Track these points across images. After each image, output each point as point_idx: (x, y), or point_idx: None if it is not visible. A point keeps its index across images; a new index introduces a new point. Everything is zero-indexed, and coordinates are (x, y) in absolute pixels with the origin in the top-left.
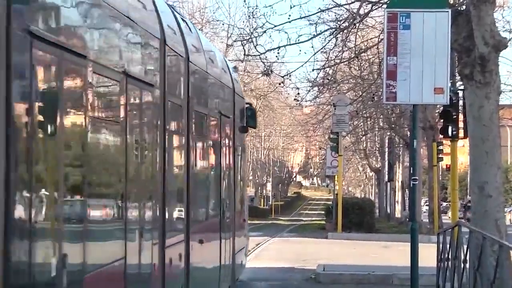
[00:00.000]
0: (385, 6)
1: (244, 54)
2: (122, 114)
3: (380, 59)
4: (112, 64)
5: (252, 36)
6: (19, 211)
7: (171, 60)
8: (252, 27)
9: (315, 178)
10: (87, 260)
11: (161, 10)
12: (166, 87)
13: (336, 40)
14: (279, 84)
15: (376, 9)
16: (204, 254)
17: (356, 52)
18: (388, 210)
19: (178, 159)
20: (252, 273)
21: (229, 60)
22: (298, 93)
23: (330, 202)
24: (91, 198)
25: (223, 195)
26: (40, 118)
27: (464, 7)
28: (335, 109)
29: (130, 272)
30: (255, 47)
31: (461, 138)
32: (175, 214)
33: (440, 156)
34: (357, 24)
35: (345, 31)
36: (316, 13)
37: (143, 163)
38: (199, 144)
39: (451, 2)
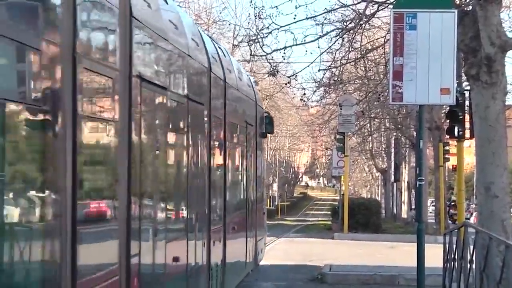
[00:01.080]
0: (391, 6)
1: (251, 55)
2: (186, 128)
3: (386, 60)
4: (180, 91)
5: (259, 37)
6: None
7: (214, 83)
8: (258, 27)
9: (321, 179)
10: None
11: (206, 42)
12: (211, 105)
13: (342, 40)
14: (285, 84)
15: (382, 9)
16: (235, 239)
17: (362, 52)
18: (394, 211)
19: (219, 162)
20: (258, 273)
21: (235, 60)
22: (304, 94)
23: (336, 203)
24: (189, 194)
25: (249, 191)
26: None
27: (470, 7)
28: (341, 109)
29: (192, 243)
30: (261, 47)
31: (467, 139)
32: (217, 207)
33: (447, 156)
34: (363, 25)
35: (351, 31)
36: (322, 13)
37: (199, 166)
38: (233, 149)
39: (458, 2)
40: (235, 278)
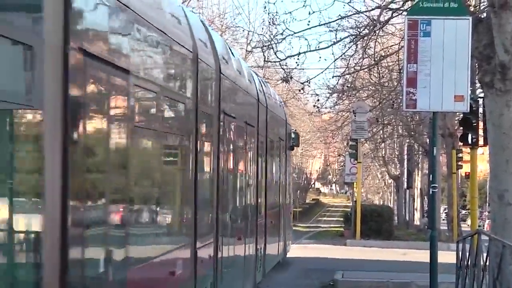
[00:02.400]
0: (405, 13)
1: (264, 60)
2: (245, 144)
3: (400, 66)
4: (242, 118)
5: (272, 43)
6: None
7: (260, 110)
8: (272, 33)
9: (333, 185)
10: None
11: (255, 79)
12: (258, 126)
13: (356, 47)
14: (299, 90)
15: (396, 16)
16: (273, 231)
17: (376, 59)
18: (407, 218)
19: (262, 171)
20: (270, 280)
21: (249, 66)
22: (318, 100)
23: (349, 209)
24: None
25: (281, 194)
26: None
27: (484, 14)
28: (355, 116)
29: (245, 229)
30: (275, 53)
31: (481, 146)
32: (259, 203)
33: (460, 163)
34: (377, 31)
35: (365, 38)
36: (336, 20)
37: (252, 174)
38: (271, 160)
39: (472, 9)
40: (273, 261)
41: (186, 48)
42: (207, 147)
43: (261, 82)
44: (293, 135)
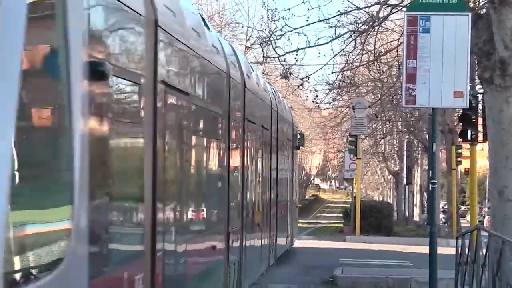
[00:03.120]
0: (404, 9)
1: (263, 57)
2: (261, 144)
3: (399, 62)
4: (261, 123)
5: (271, 39)
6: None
7: (273, 115)
8: (271, 29)
9: (333, 181)
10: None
11: (271, 90)
12: (271, 128)
13: (355, 43)
14: (298, 86)
15: (395, 12)
16: (282, 221)
17: (375, 55)
18: (406, 214)
19: (274, 168)
20: (269, 276)
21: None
22: (317, 96)
23: (348, 205)
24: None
25: (289, 189)
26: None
27: (484, 10)
28: (354, 111)
29: (262, 218)
30: (274, 49)
31: (480, 142)
32: (273, 196)
33: (459, 159)
34: (377, 27)
35: (364, 34)
36: (335, 16)
37: (266, 170)
38: (280, 159)
39: (471, 5)
40: (282, 248)
41: (222, 70)
42: (235, 148)
43: (273, 90)
44: (298, 136)
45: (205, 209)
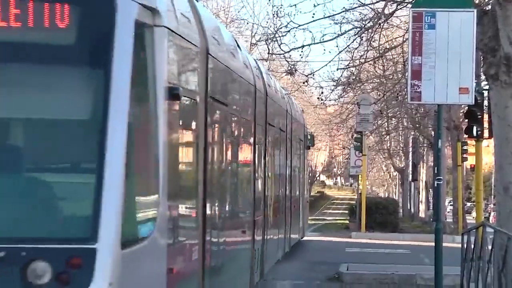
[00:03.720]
0: (410, 5)
1: (268, 53)
2: (279, 143)
3: (404, 59)
4: (279, 126)
5: (277, 35)
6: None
7: (288, 119)
8: (276, 26)
9: (338, 178)
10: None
11: (287, 97)
12: (287, 130)
13: (361, 39)
14: (303, 83)
15: (401, 8)
16: (295, 214)
17: (381, 51)
18: (412, 210)
19: (289, 165)
20: (275, 272)
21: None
22: (322, 92)
23: (354, 202)
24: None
25: (301, 184)
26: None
27: (489, 7)
28: (359, 108)
29: (280, 209)
30: (279, 46)
31: (486, 138)
32: (288, 191)
33: (465, 156)
34: (382, 24)
35: (369, 30)
36: (341, 12)
37: (286, 168)
38: (295, 158)
39: (477, 2)
40: (295, 239)
41: (250, 83)
42: (259, 149)
43: (289, 96)
44: (309, 137)
45: (239, 199)
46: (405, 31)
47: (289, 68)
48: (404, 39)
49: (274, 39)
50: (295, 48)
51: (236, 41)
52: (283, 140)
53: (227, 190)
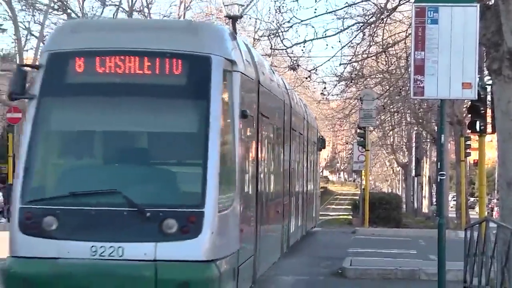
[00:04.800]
0: (413, 0)
1: (271, 48)
2: (300, 145)
3: (407, 54)
4: (300, 131)
5: (279, 31)
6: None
7: (305, 124)
8: (279, 22)
9: (341, 173)
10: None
11: (306, 107)
12: (303, 133)
13: (363, 34)
14: (306, 78)
15: (403, 3)
16: (311, 205)
17: (384, 46)
18: (415, 205)
19: (305, 164)
20: (278, 267)
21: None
22: (325, 88)
23: (357, 197)
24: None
25: (315, 180)
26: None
27: (492, 1)
28: (362, 103)
29: (301, 198)
30: (281, 41)
31: (489, 133)
32: (304, 184)
33: (468, 151)
34: (385, 19)
35: (372, 25)
36: (343, 7)
37: (305, 166)
38: (311, 157)
39: None
40: (310, 225)
41: (281, 99)
42: (287, 150)
43: (305, 105)
44: (321, 140)
45: (277, 186)
46: (408, 26)
47: (291, 63)
48: (407, 34)
49: (276, 35)
50: (297, 43)
51: (272, 69)
52: (302, 142)
53: (270, 179)
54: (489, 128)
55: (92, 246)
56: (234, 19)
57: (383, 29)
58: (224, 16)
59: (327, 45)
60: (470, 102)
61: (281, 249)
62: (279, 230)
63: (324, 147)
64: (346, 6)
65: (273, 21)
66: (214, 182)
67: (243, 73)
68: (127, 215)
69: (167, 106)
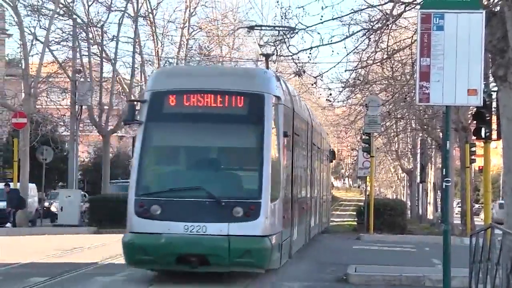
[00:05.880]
0: (418, 7)
1: (276, 55)
2: (318, 156)
3: (413, 60)
4: (319, 146)
5: (285, 37)
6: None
7: (322, 139)
8: (283, 28)
9: (346, 179)
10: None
11: (321, 127)
12: (320, 147)
13: (369, 41)
14: (312, 85)
15: (409, 10)
16: (325, 206)
17: (389, 53)
18: (420, 212)
19: (320, 172)
20: (282, 274)
21: (260, 60)
22: (330, 94)
23: (362, 203)
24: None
25: (327, 186)
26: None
27: (498, 8)
28: (367, 109)
29: (321, 200)
30: (287, 47)
31: (494, 140)
32: (321, 190)
33: (473, 157)
34: (390, 25)
35: (378, 32)
36: (349, 14)
37: (320, 173)
38: (324, 167)
39: (485, 3)
40: (325, 223)
41: (305, 120)
42: (309, 159)
43: (321, 124)
44: (331, 152)
45: (305, 187)
46: (413, 33)
47: (297, 69)
48: (413, 41)
49: (282, 41)
50: (303, 50)
51: (299, 98)
52: (319, 154)
53: (300, 183)
54: (494, 135)
55: (185, 225)
56: (267, 56)
57: (389, 35)
58: (260, 54)
59: (332, 51)
60: (475, 109)
61: (305, 239)
62: (305, 223)
63: (334, 159)
64: (352, 13)
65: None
66: (267, 182)
67: (284, 105)
68: (209, 204)
69: (234, 128)
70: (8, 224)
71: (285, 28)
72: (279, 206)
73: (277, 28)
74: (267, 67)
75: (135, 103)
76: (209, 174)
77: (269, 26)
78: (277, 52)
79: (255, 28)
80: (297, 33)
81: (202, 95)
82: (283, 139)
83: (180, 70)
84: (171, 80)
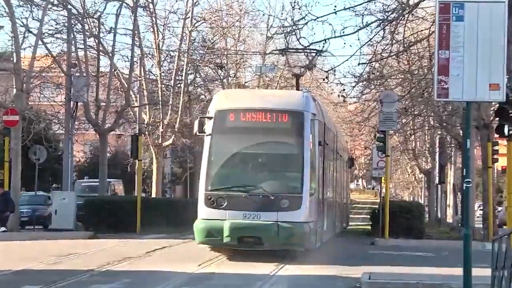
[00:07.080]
0: None
1: (287, 47)
2: (340, 164)
3: (431, 53)
4: (340, 153)
5: (295, 28)
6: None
7: (343, 148)
8: (292, 19)
9: (360, 180)
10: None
11: (342, 137)
12: (341, 156)
13: (384, 32)
14: (323, 79)
15: None
16: (346, 208)
17: (405, 45)
18: (439, 215)
19: (342, 177)
20: (291, 282)
21: (268, 52)
22: (344, 89)
23: (376, 206)
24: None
25: (347, 189)
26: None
27: None
28: (382, 106)
29: (345, 201)
30: (298, 39)
31: None
32: (343, 193)
33: (495, 156)
34: (406, 15)
35: (393, 22)
36: (363, 3)
37: (341, 178)
38: (344, 172)
39: None
40: (344, 224)
41: (332, 131)
42: (335, 166)
43: (338, 133)
44: (350, 159)
45: (333, 188)
46: (431, 23)
47: (308, 63)
48: (431, 32)
49: (292, 33)
50: (314, 43)
51: (326, 111)
52: (341, 161)
53: (329, 184)
54: None
55: (244, 214)
56: (297, 76)
57: (405, 26)
58: (292, 74)
59: (344, 43)
60: (497, 105)
61: (333, 231)
62: (333, 218)
63: (353, 165)
64: (366, 2)
65: (286, 18)
66: (307, 181)
67: (318, 120)
68: (262, 197)
69: (281, 139)
70: (3, 228)
71: (313, 50)
72: (315, 200)
73: (306, 51)
74: (297, 86)
75: (204, 119)
76: (262, 174)
77: (298, 49)
78: (287, 44)
79: (288, 50)
80: (324, 56)
81: (256, 112)
82: (318, 147)
83: (237, 92)
84: (231, 100)
